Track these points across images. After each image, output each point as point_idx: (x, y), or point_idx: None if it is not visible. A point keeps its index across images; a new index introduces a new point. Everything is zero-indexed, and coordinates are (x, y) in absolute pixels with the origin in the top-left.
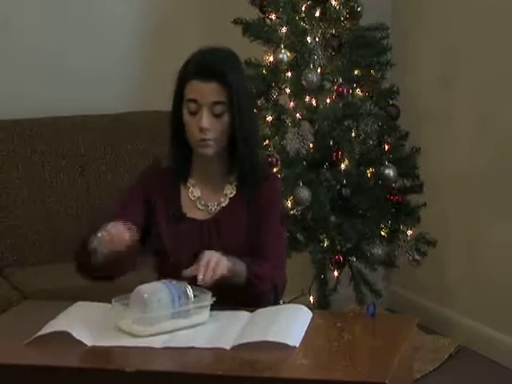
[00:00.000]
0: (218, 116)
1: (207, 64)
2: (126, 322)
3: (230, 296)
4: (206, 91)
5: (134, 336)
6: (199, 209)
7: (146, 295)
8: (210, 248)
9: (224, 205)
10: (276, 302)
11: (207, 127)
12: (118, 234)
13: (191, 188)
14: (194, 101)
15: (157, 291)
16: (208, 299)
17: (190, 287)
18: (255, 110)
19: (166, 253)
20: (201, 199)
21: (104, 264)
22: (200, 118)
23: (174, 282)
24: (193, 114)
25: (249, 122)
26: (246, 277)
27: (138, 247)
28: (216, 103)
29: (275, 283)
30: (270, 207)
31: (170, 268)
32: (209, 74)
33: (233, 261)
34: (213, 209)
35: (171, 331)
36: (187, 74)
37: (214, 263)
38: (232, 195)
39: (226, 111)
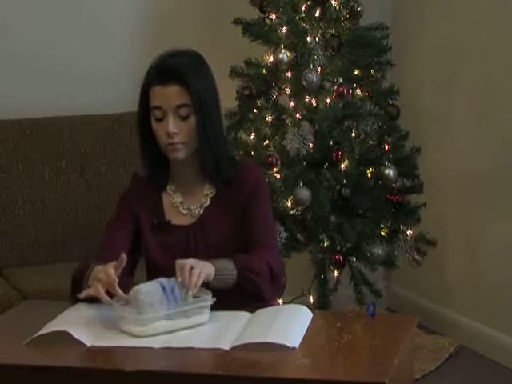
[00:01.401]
0: (184, 119)
1: (166, 68)
2: (125, 322)
3: (231, 296)
4: (168, 96)
5: (134, 336)
6: (183, 214)
7: (139, 296)
8: (196, 251)
9: (206, 205)
10: (274, 284)
11: (174, 131)
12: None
13: (172, 194)
14: (159, 107)
15: (150, 292)
16: (209, 300)
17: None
18: (220, 110)
19: (154, 262)
20: (183, 204)
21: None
22: (166, 123)
23: (171, 281)
24: (159, 120)
25: (213, 122)
26: (236, 274)
27: (127, 273)
28: (180, 106)
29: (270, 265)
30: (253, 195)
31: (159, 275)
32: (169, 77)
33: (217, 263)
34: (196, 211)
35: (172, 331)
36: (149, 80)
37: (188, 270)
38: (213, 195)
39: (192, 113)
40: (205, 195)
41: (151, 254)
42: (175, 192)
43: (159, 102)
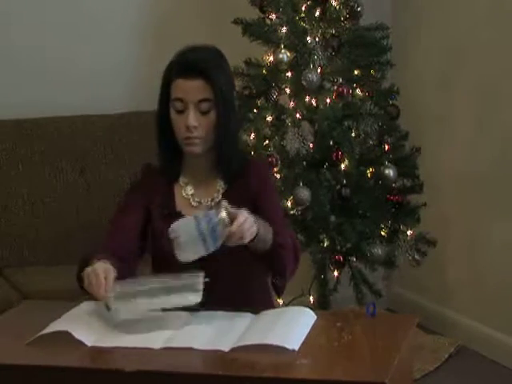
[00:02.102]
0: (204, 113)
1: (191, 62)
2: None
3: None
4: (191, 89)
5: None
6: (193, 206)
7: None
8: None
9: (217, 200)
10: (296, 261)
11: (194, 125)
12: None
13: (184, 186)
14: (180, 99)
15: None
16: (200, 276)
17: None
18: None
19: (161, 250)
20: (194, 196)
21: None
22: (187, 116)
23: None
24: (179, 112)
25: (233, 118)
26: (271, 243)
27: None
28: (202, 101)
29: (293, 239)
30: (262, 190)
31: (166, 265)
32: (193, 71)
33: (261, 225)
34: (206, 205)
35: (156, 310)
36: (172, 73)
37: (246, 228)
38: (224, 190)
39: (213, 108)
40: (216, 190)
41: (159, 242)
42: (187, 184)
43: (181, 94)
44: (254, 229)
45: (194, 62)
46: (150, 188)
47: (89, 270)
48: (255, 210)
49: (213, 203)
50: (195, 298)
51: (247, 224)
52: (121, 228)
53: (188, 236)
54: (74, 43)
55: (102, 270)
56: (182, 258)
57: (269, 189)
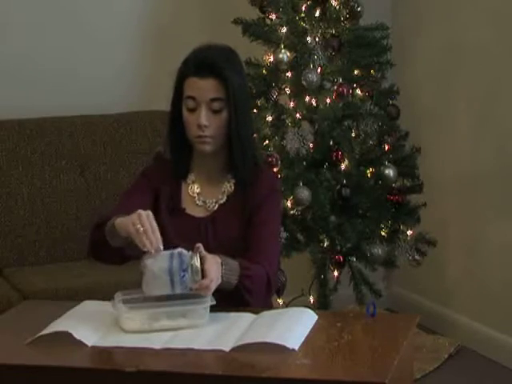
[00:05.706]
0: (216, 112)
1: (205, 60)
2: (125, 320)
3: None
4: (204, 88)
5: (131, 331)
6: (198, 205)
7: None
8: (207, 243)
9: (222, 202)
10: (267, 292)
11: (205, 124)
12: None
13: (191, 184)
14: (193, 98)
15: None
16: (208, 301)
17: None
18: (252, 108)
19: (169, 244)
20: (200, 195)
21: (120, 247)
22: (198, 114)
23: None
24: (191, 110)
25: (245, 118)
26: (237, 279)
27: None
28: (214, 100)
29: (268, 275)
30: (265, 202)
31: None
32: (206, 70)
33: (226, 264)
34: (210, 206)
35: (170, 330)
36: (185, 71)
37: (213, 286)
38: (230, 193)
39: (225, 107)
40: (222, 192)
41: (168, 236)
42: (194, 182)
43: (194, 92)
44: (219, 279)
45: (208, 61)
46: (159, 178)
47: (124, 218)
48: (249, 223)
49: (217, 205)
50: (201, 319)
51: (215, 281)
52: (129, 205)
53: (157, 272)
54: (74, 44)
55: (145, 214)
56: (147, 292)
57: (270, 206)
